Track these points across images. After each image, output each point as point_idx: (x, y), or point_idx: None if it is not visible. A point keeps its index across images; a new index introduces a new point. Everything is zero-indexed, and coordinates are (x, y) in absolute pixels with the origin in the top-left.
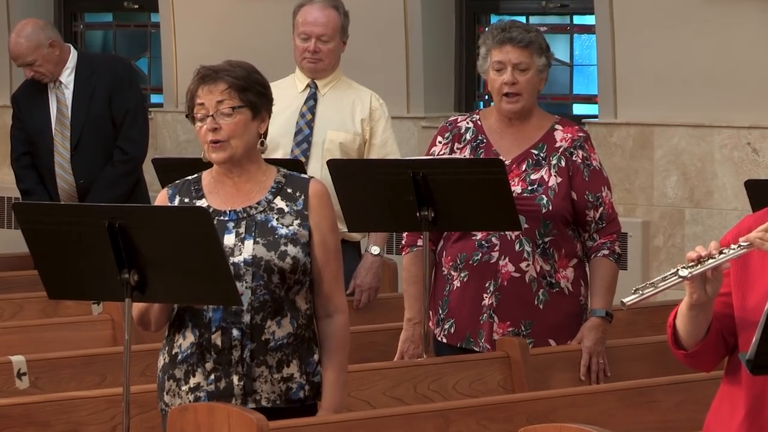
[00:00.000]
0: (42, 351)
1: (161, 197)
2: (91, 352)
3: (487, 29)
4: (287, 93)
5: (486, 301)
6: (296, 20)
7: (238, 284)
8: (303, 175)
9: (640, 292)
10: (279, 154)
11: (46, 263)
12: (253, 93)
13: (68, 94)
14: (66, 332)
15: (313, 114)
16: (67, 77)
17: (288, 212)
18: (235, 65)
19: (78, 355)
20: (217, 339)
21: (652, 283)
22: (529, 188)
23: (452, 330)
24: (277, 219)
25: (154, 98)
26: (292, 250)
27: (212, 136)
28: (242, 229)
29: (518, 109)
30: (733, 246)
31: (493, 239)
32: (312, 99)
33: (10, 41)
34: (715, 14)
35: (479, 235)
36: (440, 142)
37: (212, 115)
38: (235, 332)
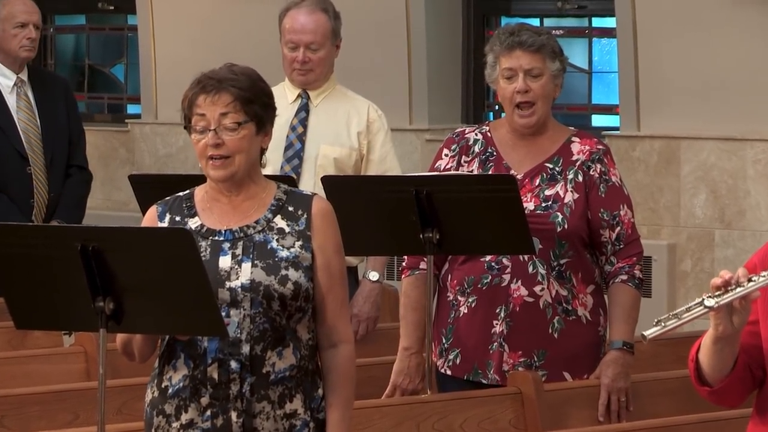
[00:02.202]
0: (8, 386)
1: (149, 215)
2: (62, 388)
3: (493, 35)
4: (276, 103)
5: (496, 329)
6: (282, 26)
7: (235, 311)
8: (306, 192)
9: (662, 325)
10: (268, 171)
11: (13, 290)
12: (258, 105)
13: (31, 96)
14: (35, 366)
15: (305, 127)
16: (26, 77)
17: (289, 233)
18: (238, 72)
19: (48, 390)
20: (213, 372)
21: (675, 314)
22: (543, 205)
23: (458, 360)
24: (277, 240)
25: (131, 108)
26: (293, 274)
27: (214, 151)
28: (239, 251)
29: (533, 123)
30: (763, 273)
31: (504, 260)
32: (303, 110)
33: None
34: (747, 17)
35: (489, 256)
36: (446, 155)
37: (215, 129)
38: (234, 364)
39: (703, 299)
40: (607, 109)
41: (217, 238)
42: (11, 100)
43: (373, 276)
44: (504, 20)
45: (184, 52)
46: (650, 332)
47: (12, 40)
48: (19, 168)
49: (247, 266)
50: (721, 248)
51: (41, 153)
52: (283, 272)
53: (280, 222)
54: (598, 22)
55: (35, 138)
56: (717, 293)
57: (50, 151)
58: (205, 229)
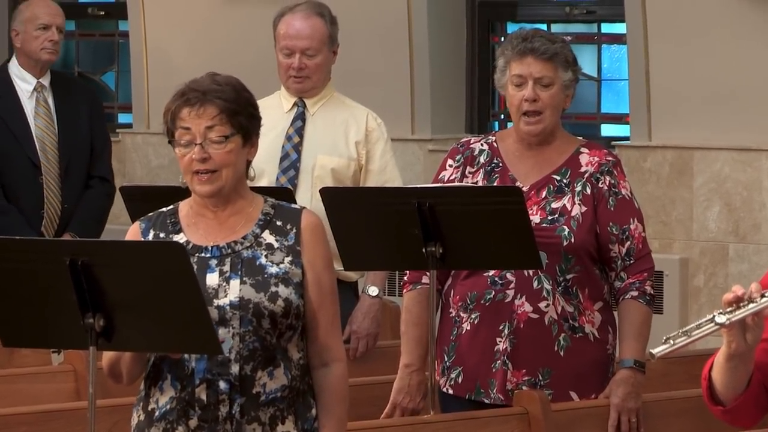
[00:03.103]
0: None
1: (132, 232)
2: (50, 408)
3: (506, 39)
4: (272, 113)
5: (500, 346)
6: (277, 32)
7: (224, 330)
8: (294, 206)
9: (671, 342)
10: (263, 182)
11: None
12: (244, 116)
13: (51, 103)
14: (22, 385)
15: (301, 136)
16: (48, 83)
17: (278, 248)
18: (222, 82)
19: (36, 411)
20: (201, 393)
21: (685, 331)
22: (549, 218)
23: (460, 379)
24: (266, 256)
25: (122, 118)
26: (283, 291)
27: (200, 166)
28: (227, 267)
29: (539, 131)
30: None
31: (508, 275)
32: (300, 119)
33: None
34: (762, 24)
35: (492, 271)
36: (451, 166)
37: (200, 144)
38: (223, 385)
39: (714, 316)
40: (617, 119)
41: (203, 254)
42: (29, 106)
43: (373, 291)
44: (510, 26)
45: (177, 59)
46: (659, 350)
47: (33, 42)
48: (31, 177)
49: (235, 283)
50: (736, 263)
51: (56, 162)
52: (273, 289)
53: (268, 237)
54: (607, 27)
55: (51, 146)
56: (729, 309)
57: (66, 160)
58: (191, 245)
